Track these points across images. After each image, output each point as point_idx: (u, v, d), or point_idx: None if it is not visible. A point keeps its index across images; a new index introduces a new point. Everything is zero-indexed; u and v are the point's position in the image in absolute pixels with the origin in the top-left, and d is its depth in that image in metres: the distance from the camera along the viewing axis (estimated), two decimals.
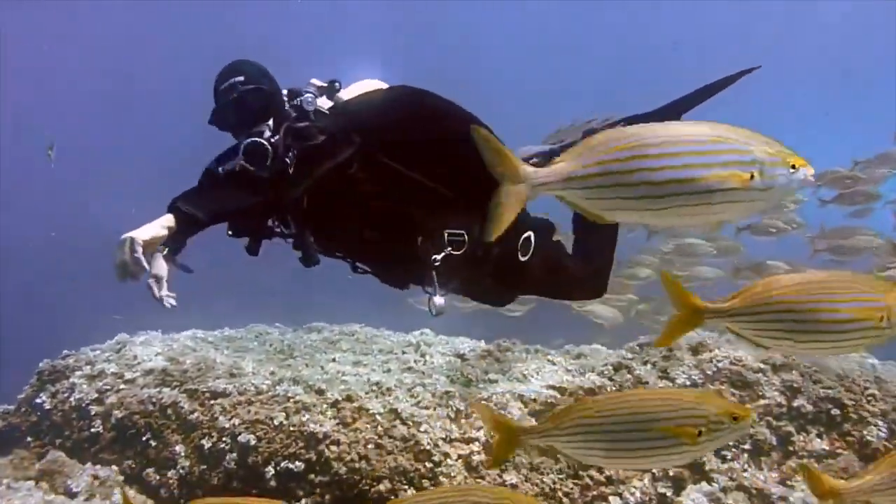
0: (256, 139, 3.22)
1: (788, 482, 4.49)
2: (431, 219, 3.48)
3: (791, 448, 4.75)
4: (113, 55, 23.18)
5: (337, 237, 3.49)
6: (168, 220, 3.02)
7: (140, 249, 2.90)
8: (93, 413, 5.25)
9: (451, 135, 3.48)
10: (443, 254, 3.47)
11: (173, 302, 3.24)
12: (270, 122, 3.30)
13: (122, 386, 5.40)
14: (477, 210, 3.63)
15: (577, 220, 4.15)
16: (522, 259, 3.70)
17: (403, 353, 6.58)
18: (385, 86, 3.73)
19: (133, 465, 4.92)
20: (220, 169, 3.28)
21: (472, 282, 3.85)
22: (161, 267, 3.35)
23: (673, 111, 3.84)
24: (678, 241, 7.20)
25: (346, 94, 3.58)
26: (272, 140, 3.23)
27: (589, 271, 4.08)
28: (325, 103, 3.48)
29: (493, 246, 3.63)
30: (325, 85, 3.52)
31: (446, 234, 3.49)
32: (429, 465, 4.65)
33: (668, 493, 4.54)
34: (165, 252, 3.43)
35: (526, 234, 3.69)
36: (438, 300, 3.54)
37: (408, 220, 3.44)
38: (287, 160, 3.20)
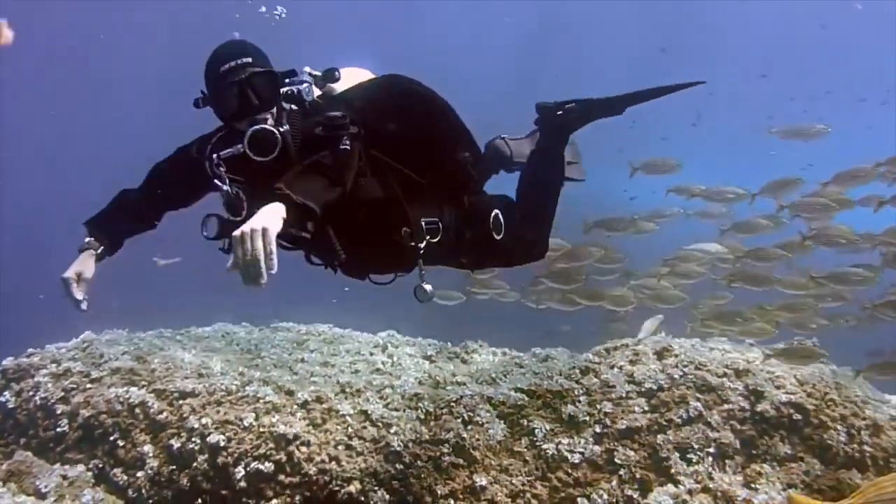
0: (265, 126, 3.11)
1: (752, 485, 4.58)
2: (413, 209, 3.50)
3: (754, 451, 4.85)
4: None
5: (343, 233, 3.39)
6: (280, 209, 2.69)
7: (275, 244, 2.55)
8: (59, 412, 5.18)
9: (430, 126, 3.60)
10: (424, 242, 3.52)
11: (84, 307, 3.21)
12: (274, 109, 3.21)
13: (88, 385, 5.34)
14: (445, 197, 3.72)
15: (521, 188, 4.30)
16: (497, 238, 3.83)
17: (371, 354, 6.60)
18: (370, 74, 3.76)
19: (101, 465, 4.86)
20: (214, 155, 3.16)
21: (448, 264, 3.99)
22: (89, 266, 3.32)
23: (622, 103, 4.16)
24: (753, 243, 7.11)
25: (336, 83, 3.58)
26: (281, 129, 3.14)
27: (537, 236, 4.25)
28: (314, 92, 3.46)
29: (466, 230, 3.77)
30: (320, 74, 3.48)
31: (424, 223, 3.54)
32: (399, 466, 4.68)
33: (635, 496, 4.61)
34: (99, 251, 3.41)
35: (494, 213, 3.82)
36: (427, 287, 3.60)
37: (397, 211, 3.45)
38: (346, 147, 3.09)
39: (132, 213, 3.59)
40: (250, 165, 3.13)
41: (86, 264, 3.32)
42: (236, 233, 2.51)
